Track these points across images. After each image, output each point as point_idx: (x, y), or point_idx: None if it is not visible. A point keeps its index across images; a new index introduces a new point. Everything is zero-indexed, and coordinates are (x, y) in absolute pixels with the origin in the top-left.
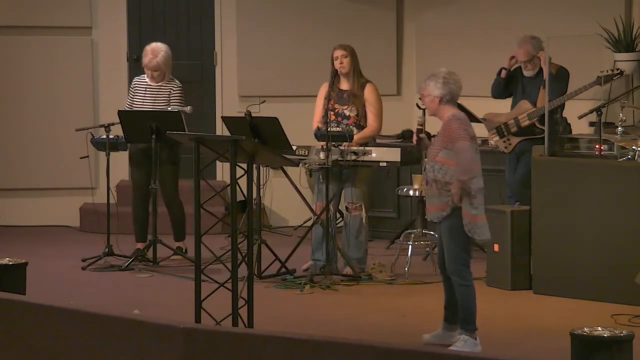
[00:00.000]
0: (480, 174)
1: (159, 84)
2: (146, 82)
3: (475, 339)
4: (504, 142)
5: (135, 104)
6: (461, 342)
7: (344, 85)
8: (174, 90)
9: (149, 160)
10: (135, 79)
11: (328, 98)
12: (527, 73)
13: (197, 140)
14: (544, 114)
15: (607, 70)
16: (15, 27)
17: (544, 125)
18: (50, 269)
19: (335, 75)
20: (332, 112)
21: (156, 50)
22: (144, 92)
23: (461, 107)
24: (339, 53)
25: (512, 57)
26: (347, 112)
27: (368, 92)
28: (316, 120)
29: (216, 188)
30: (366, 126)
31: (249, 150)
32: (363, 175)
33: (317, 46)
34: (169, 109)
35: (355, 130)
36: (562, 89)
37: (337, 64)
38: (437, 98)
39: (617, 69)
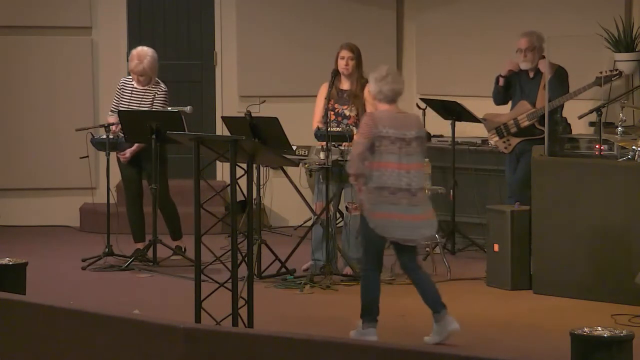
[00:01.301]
0: (394, 173)
1: (145, 87)
2: (132, 84)
3: (367, 329)
4: (504, 142)
5: (122, 106)
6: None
7: (345, 85)
8: (158, 94)
9: (137, 161)
10: (123, 79)
11: (328, 98)
12: (524, 65)
13: (197, 140)
14: (544, 115)
15: (606, 71)
16: (15, 27)
17: (543, 125)
18: (50, 269)
19: (335, 75)
20: (332, 112)
21: (142, 55)
22: (130, 94)
23: (461, 107)
24: (346, 54)
25: (510, 70)
26: (347, 112)
27: (368, 92)
28: (316, 120)
29: (216, 188)
30: None
31: (249, 150)
32: None
33: (317, 46)
34: (169, 109)
35: (355, 130)
36: (563, 89)
37: (342, 64)
38: (373, 95)
39: (616, 70)
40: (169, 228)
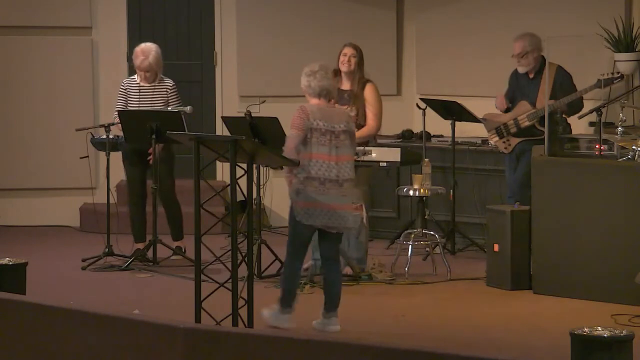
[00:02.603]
0: (324, 164)
1: (152, 84)
2: (138, 83)
3: (284, 315)
4: (504, 142)
5: (131, 107)
6: (267, 312)
7: (345, 85)
8: (170, 90)
9: (143, 160)
10: (125, 81)
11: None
12: (521, 69)
13: (197, 140)
14: (544, 115)
15: (607, 74)
16: (15, 27)
17: (543, 126)
18: (50, 269)
19: (336, 75)
20: None
21: (146, 51)
22: (138, 94)
23: (461, 107)
24: (349, 51)
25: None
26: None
27: (368, 92)
28: None
29: (216, 188)
30: (365, 125)
31: (249, 150)
32: (363, 175)
33: (317, 46)
34: (169, 109)
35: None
36: (570, 89)
37: (343, 61)
38: (303, 89)
39: (618, 73)
40: (171, 228)
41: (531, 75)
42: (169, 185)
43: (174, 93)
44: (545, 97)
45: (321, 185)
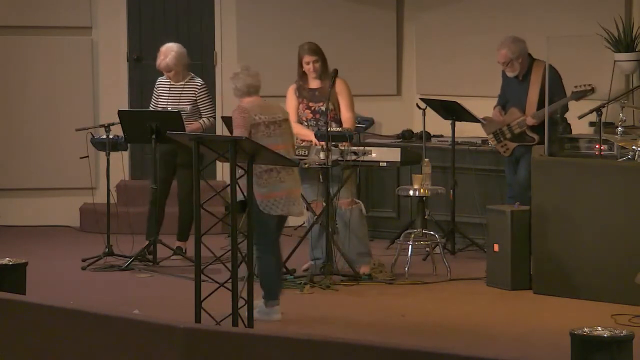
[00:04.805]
0: (281, 153)
1: (181, 83)
2: (169, 82)
3: (272, 308)
4: (502, 146)
5: (160, 104)
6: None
7: (313, 84)
8: (199, 90)
9: (173, 162)
10: (159, 79)
11: (328, 98)
12: (509, 74)
13: (197, 140)
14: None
15: (580, 86)
16: (15, 27)
17: (535, 133)
18: (50, 269)
19: (302, 76)
20: (308, 111)
21: (167, 52)
22: (168, 92)
23: (461, 107)
24: (310, 59)
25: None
26: (323, 108)
27: (340, 87)
28: (291, 120)
29: (216, 188)
30: (342, 119)
31: (249, 150)
32: (350, 174)
33: None
34: (169, 109)
35: (334, 125)
36: (559, 90)
37: (308, 69)
38: (234, 94)
39: (589, 85)
40: (179, 228)
41: (520, 78)
42: (189, 188)
43: (203, 92)
44: (545, 99)
45: (278, 173)
